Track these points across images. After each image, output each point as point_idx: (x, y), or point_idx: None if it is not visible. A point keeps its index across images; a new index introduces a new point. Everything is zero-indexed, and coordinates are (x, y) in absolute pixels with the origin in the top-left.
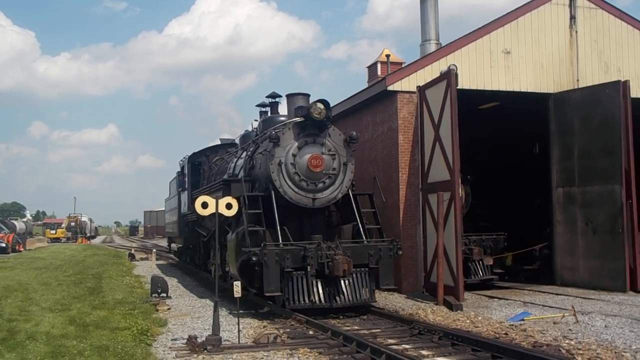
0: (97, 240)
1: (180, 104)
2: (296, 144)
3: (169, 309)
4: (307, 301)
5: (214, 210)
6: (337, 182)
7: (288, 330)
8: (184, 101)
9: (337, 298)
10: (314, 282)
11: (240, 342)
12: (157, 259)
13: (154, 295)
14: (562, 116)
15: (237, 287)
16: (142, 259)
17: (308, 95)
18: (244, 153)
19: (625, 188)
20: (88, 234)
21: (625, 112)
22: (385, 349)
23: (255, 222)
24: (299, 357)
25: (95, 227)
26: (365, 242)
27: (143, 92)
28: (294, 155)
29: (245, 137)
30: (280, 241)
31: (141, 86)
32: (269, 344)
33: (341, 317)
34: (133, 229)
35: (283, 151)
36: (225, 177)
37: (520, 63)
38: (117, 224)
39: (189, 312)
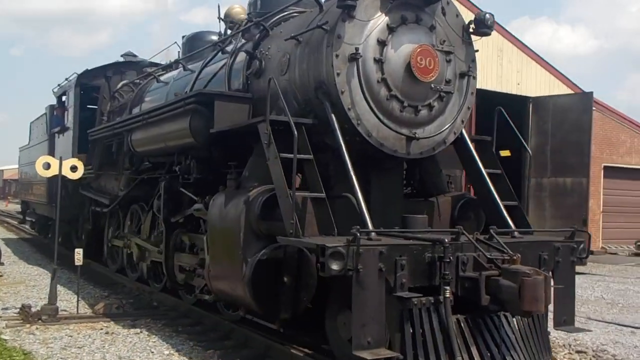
0: None
1: (26, 55)
2: (386, 19)
3: (0, 276)
4: None
5: (56, 172)
6: (447, 109)
7: (132, 300)
8: (29, 53)
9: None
10: (455, 321)
11: (80, 312)
12: None
13: None
14: None
15: (79, 254)
16: None
17: None
18: (219, 56)
19: None
20: None
21: None
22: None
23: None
24: (140, 328)
25: None
26: (520, 232)
27: None
28: (381, 44)
29: (193, 39)
30: (370, 225)
31: None
32: (110, 314)
33: None
34: None
35: (359, 33)
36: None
37: None
38: None
39: (23, 280)
